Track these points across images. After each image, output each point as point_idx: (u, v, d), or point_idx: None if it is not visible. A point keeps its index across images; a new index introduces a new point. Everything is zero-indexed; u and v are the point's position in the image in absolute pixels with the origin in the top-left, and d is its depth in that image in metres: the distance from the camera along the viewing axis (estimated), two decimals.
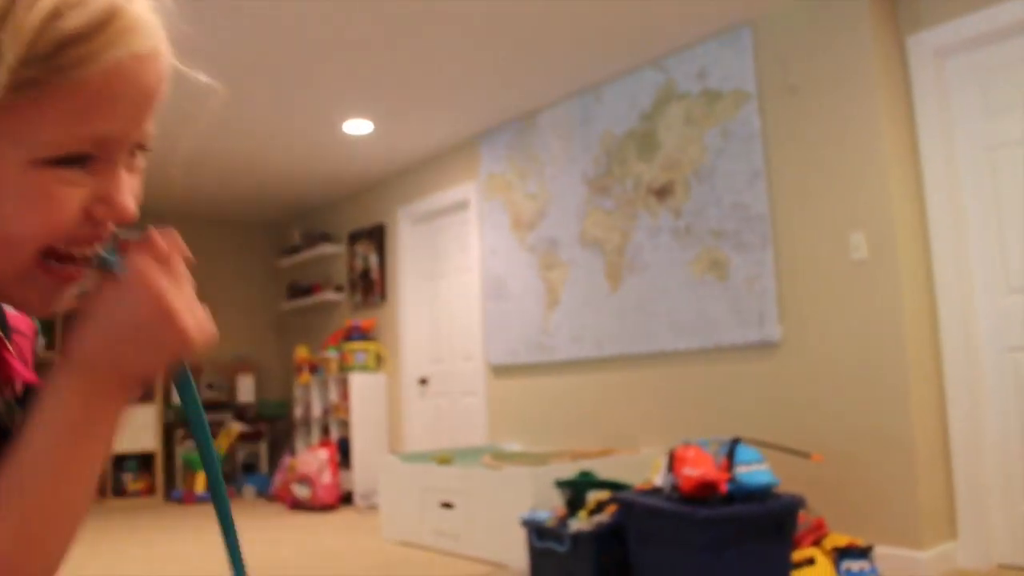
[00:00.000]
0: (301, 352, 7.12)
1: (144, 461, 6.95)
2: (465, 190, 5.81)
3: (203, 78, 0.71)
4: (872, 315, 3.51)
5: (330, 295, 7.10)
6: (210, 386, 7.46)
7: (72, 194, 0.59)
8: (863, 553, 3.12)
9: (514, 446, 5.22)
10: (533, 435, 5.14)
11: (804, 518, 3.20)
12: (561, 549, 3.35)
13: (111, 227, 0.64)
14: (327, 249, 7.13)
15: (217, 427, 7.24)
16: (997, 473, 3.39)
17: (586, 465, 3.91)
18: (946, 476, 3.47)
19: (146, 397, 6.98)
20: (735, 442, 3.08)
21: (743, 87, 4.01)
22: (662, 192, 4.37)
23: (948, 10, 3.51)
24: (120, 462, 6.80)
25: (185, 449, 7.12)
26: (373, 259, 6.74)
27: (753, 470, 3.03)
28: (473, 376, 5.76)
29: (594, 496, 3.54)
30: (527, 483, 3.83)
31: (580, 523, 3.35)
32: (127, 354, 0.60)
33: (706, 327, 4.12)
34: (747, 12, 3.94)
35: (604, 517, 3.33)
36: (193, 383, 0.71)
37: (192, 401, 0.71)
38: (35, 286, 0.63)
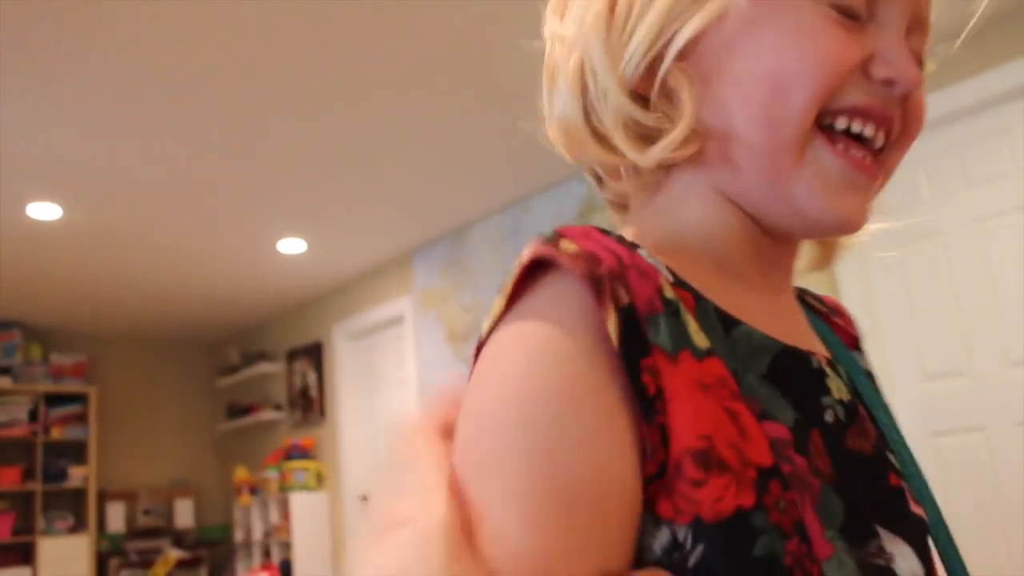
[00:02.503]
0: (240, 473, 6.97)
1: None
2: (400, 305, 5.84)
3: None
4: None
5: (269, 414, 6.99)
6: (146, 512, 7.24)
7: (850, 38, 0.51)
8: None
9: None
10: None
11: None
12: None
13: (893, 100, 0.53)
14: (265, 368, 7.06)
15: (154, 555, 7.01)
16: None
17: None
18: None
19: (78, 526, 6.76)
20: None
21: None
22: None
23: None
24: None
25: None
26: (312, 377, 6.70)
27: None
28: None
29: None
30: None
31: None
32: None
33: None
34: None
35: None
36: None
37: None
38: (816, 166, 0.52)
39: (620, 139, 0.53)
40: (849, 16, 0.51)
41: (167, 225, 4.91)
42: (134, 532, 7.14)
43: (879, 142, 0.53)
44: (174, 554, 7.05)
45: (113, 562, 6.92)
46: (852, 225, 0.53)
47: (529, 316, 0.45)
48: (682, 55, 0.52)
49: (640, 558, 0.43)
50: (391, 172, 4.41)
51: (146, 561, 6.93)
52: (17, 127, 3.58)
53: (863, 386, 0.57)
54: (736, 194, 0.54)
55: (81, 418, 6.91)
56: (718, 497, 0.42)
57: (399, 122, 3.85)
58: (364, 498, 6.14)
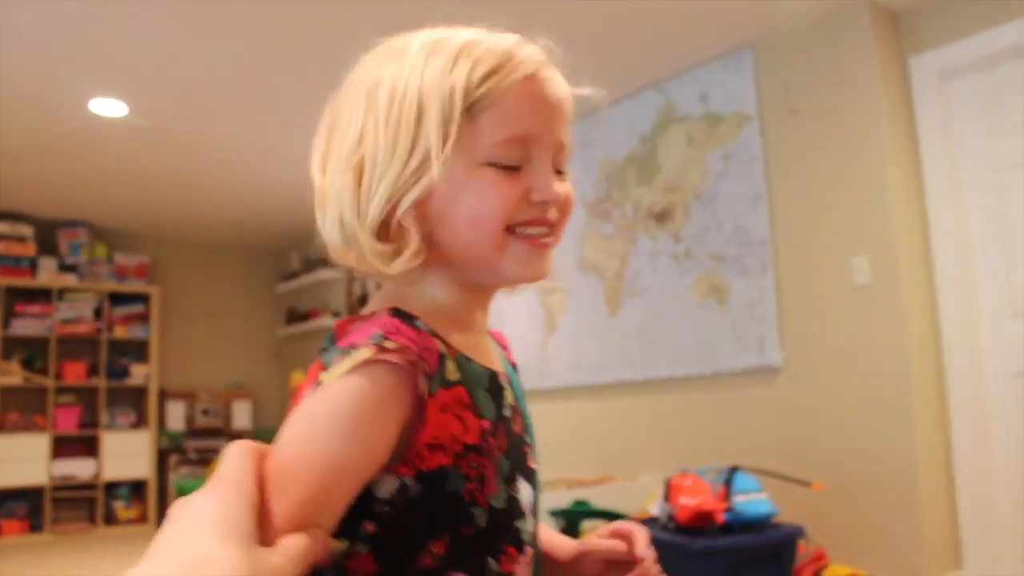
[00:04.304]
0: (298, 378, 7.02)
1: (136, 488, 6.84)
2: None
3: (586, 91, 0.95)
4: (875, 340, 3.42)
5: (328, 320, 7.01)
6: (205, 412, 7.37)
7: (510, 184, 0.80)
8: None
9: None
10: None
11: (804, 549, 3.09)
12: None
13: (551, 212, 0.84)
14: (325, 275, 7.06)
15: (212, 453, 7.14)
16: (1004, 500, 3.28)
17: (582, 494, 3.81)
18: (950, 504, 3.36)
19: (139, 422, 6.90)
20: (733, 471, 2.98)
21: (744, 109, 3.95)
22: (662, 216, 4.30)
23: (951, 31, 3.46)
24: (111, 489, 6.69)
25: (179, 476, 7.01)
26: (371, 284, 6.68)
27: (751, 499, 2.93)
28: None
29: (589, 526, 3.44)
30: None
31: None
32: None
33: (706, 353, 4.03)
34: (749, 34, 3.88)
35: None
36: None
37: None
38: (514, 254, 0.82)
39: (371, 260, 0.80)
40: (508, 167, 0.80)
41: (231, 129, 4.85)
42: (193, 431, 7.28)
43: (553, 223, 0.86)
44: None
45: (173, 458, 7.08)
46: (541, 278, 0.86)
47: (360, 378, 0.71)
48: (420, 202, 0.79)
49: (366, 504, 0.73)
50: None
51: (204, 459, 7.07)
52: (82, 19, 3.49)
53: (518, 390, 0.93)
54: (453, 277, 0.85)
55: (143, 318, 7.01)
56: (431, 461, 0.74)
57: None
58: None
